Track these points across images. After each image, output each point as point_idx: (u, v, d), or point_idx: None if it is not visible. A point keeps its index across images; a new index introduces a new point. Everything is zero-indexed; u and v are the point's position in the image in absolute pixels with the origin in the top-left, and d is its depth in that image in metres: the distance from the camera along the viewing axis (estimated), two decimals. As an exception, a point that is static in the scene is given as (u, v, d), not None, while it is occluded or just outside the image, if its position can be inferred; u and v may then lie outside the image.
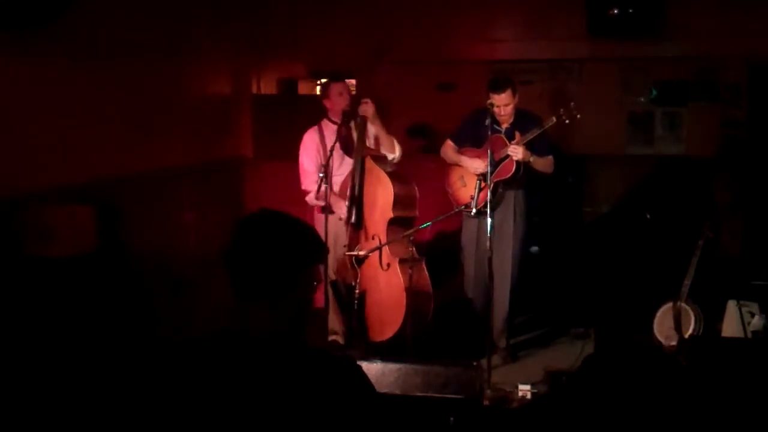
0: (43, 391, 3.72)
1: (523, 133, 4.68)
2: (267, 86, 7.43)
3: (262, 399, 1.69)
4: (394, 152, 4.90)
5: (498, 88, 4.71)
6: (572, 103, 4.62)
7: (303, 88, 7.41)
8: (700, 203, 6.21)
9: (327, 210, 4.73)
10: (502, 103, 4.72)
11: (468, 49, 6.83)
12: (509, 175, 4.74)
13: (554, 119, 4.59)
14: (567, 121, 4.60)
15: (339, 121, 4.86)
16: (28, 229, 4.32)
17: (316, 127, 5.02)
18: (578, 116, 4.60)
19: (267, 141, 7.20)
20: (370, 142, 4.97)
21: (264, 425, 1.67)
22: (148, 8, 5.48)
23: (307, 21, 6.93)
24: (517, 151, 4.61)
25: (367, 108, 4.77)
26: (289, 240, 1.81)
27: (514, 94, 4.75)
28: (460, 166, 5.00)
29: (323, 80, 7.11)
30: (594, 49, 6.57)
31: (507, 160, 4.72)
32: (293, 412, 1.67)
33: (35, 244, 4.28)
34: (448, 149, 5.08)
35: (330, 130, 4.92)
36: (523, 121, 4.79)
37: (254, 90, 7.35)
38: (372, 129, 4.91)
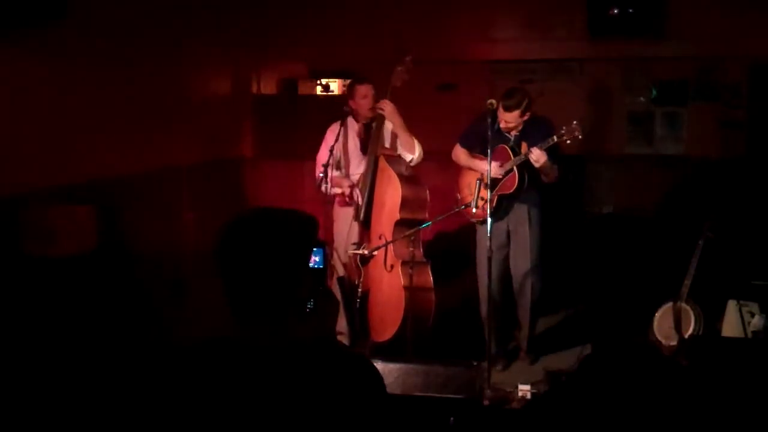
0: (44, 391, 3.72)
1: (530, 143, 4.57)
2: (267, 86, 7.44)
3: (269, 394, 1.68)
4: (413, 152, 4.85)
5: (506, 108, 4.60)
6: (575, 122, 4.47)
7: (303, 88, 7.42)
8: (700, 203, 6.21)
9: (336, 204, 4.77)
10: (505, 119, 4.64)
11: (468, 49, 6.83)
12: (512, 189, 4.68)
13: (555, 138, 4.46)
14: (568, 142, 4.48)
15: (361, 121, 4.90)
16: (28, 229, 4.33)
17: (340, 122, 5.01)
18: (580, 136, 4.46)
19: (267, 141, 7.21)
20: (387, 143, 4.96)
21: (272, 422, 1.67)
22: (147, 8, 5.48)
23: (307, 21, 6.93)
24: (539, 158, 4.45)
25: (385, 106, 4.76)
26: (280, 227, 1.78)
27: (522, 114, 4.61)
28: (472, 170, 4.89)
29: (326, 79, 7.17)
30: (594, 49, 6.57)
31: (510, 174, 4.66)
32: (300, 409, 1.67)
33: (35, 244, 4.28)
34: (460, 153, 4.98)
35: (352, 128, 4.95)
36: (532, 128, 4.67)
37: (254, 90, 7.35)
38: (389, 127, 4.90)
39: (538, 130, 4.62)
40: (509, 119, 4.62)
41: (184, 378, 1.74)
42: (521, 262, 4.86)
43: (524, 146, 4.62)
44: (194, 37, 6.15)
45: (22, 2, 4.18)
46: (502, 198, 4.73)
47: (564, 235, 6.39)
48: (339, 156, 4.90)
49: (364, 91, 4.89)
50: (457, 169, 5.06)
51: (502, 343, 5.06)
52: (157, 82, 5.70)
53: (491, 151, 4.51)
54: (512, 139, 4.72)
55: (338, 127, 4.95)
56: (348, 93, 5.03)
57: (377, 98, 4.84)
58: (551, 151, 4.54)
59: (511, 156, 4.65)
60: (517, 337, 5.13)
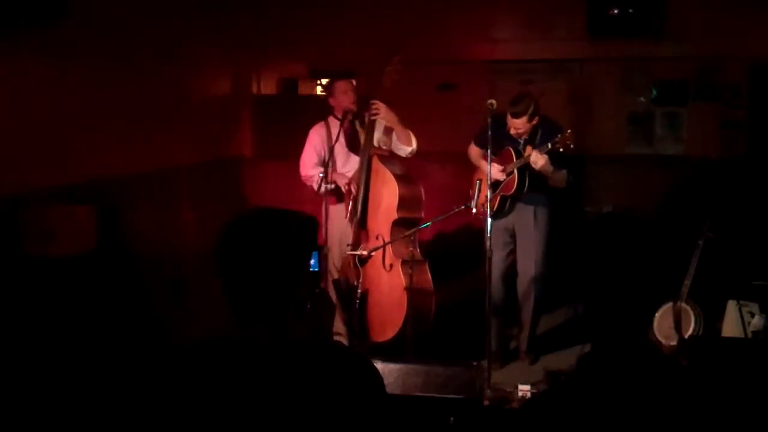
0: (44, 391, 3.72)
1: (536, 145, 4.63)
2: (267, 86, 7.44)
3: (269, 394, 1.68)
4: (411, 145, 4.87)
5: (514, 114, 4.66)
6: (569, 131, 4.51)
7: (303, 88, 7.42)
8: (700, 203, 6.21)
9: (327, 205, 4.76)
10: (514, 126, 4.70)
11: (468, 49, 6.83)
12: (512, 191, 4.76)
13: (549, 145, 4.50)
14: (561, 150, 4.50)
15: (345, 119, 4.89)
16: (28, 229, 4.33)
17: (323, 123, 5.02)
18: (572, 146, 4.48)
19: (267, 141, 7.22)
20: (376, 141, 4.95)
21: (271, 422, 1.67)
22: (147, 8, 5.48)
23: (307, 21, 6.92)
24: (537, 160, 4.52)
25: (379, 108, 4.75)
26: (280, 228, 1.78)
27: (530, 119, 4.66)
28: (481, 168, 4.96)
29: (326, 79, 7.17)
30: (594, 49, 6.57)
31: (511, 176, 4.73)
32: (300, 409, 1.67)
33: (35, 244, 4.28)
34: (473, 151, 5.08)
35: (336, 127, 4.93)
36: (540, 132, 4.72)
37: (254, 90, 7.35)
38: (381, 125, 4.90)
39: (546, 133, 4.67)
40: (518, 125, 4.68)
41: (184, 378, 1.75)
42: (526, 262, 4.92)
43: (528, 149, 4.66)
44: (194, 37, 6.15)
45: (22, 2, 4.18)
46: (505, 198, 4.78)
47: (564, 235, 6.38)
48: (324, 155, 4.90)
49: (344, 86, 4.89)
50: (472, 167, 5.13)
51: (502, 342, 5.07)
52: (157, 82, 5.69)
53: (500, 152, 4.65)
54: (521, 142, 4.75)
55: (322, 127, 4.96)
56: (327, 91, 5.04)
57: (362, 96, 4.84)
58: (556, 157, 4.57)
59: (515, 158, 4.69)
60: (518, 337, 5.14)
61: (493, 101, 4.63)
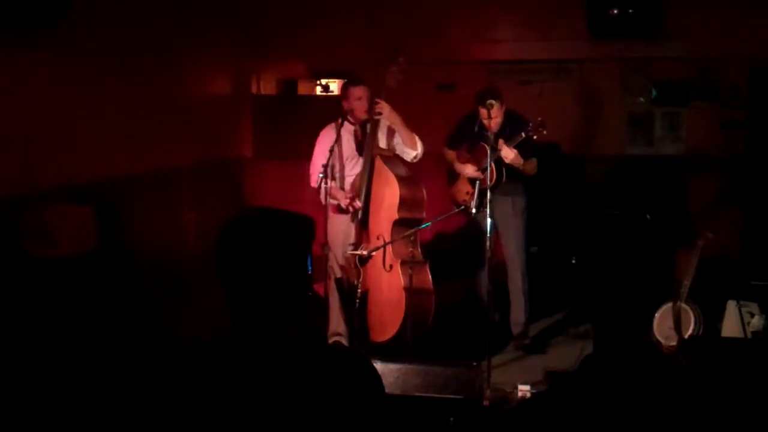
0: (44, 391, 3.73)
1: (506, 139, 4.79)
2: (267, 86, 7.45)
3: (269, 394, 1.69)
4: (416, 149, 4.86)
5: (483, 104, 4.77)
6: (539, 119, 4.69)
7: (303, 88, 7.42)
8: (700, 203, 6.23)
9: (327, 205, 4.75)
10: (485, 117, 4.80)
11: (468, 49, 6.84)
12: (491, 183, 4.83)
13: (523, 135, 4.69)
14: (535, 137, 4.68)
15: (356, 123, 4.88)
16: (28, 229, 4.33)
17: (333, 124, 4.99)
18: (545, 132, 4.67)
19: (267, 141, 7.22)
20: (383, 143, 4.95)
21: (271, 421, 1.67)
22: (148, 8, 5.48)
23: (307, 21, 6.93)
24: (508, 154, 4.71)
25: (382, 107, 4.74)
26: (277, 230, 1.80)
27: (500, 107, 4.82)
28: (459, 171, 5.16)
29: (326, 79, 7.17)
30: (594, 49, 6.58)
31: (487, 170, 4.82)
32: (299, 409, 1.67)
33: (35, 244, 4.29)
34: (448, 155, 5.23)
35: (347, 129, 4.91)
36: (510, 126, 4.89)
37: (254, 90, 7.36)
38: (384, 126, 4.89)
39: (515, 126, 4.83)
40: (491, 114, 4.74)
41: (184, 378, 1.75)
42: (510, 250, 5.10)
43: (501, 143, 4.78)
44: (194, 37, 6.15)
45: (22, 2, 4.19)
46: (484, 191, 4.84)
47: (564, 234, 6.39)
48: (334, 158, 4.87)
49: (359, 93, 4.85)
50: (448, 169, 5.23)
51: (500, 338, 5.13)
52: (157, 82, 5.70)
53: (474, 150, 4.90)
54: (492, 137, 4.81)
55: (333, 129, 4.93)
56: (342, 94, 5.00)
57: (372, 99, 4.82)
58: (525, 146, 4.76)
59: (488, 152, 4.77)
60: (511, 326, 5.18)
61: (493, 101, 4.70)
